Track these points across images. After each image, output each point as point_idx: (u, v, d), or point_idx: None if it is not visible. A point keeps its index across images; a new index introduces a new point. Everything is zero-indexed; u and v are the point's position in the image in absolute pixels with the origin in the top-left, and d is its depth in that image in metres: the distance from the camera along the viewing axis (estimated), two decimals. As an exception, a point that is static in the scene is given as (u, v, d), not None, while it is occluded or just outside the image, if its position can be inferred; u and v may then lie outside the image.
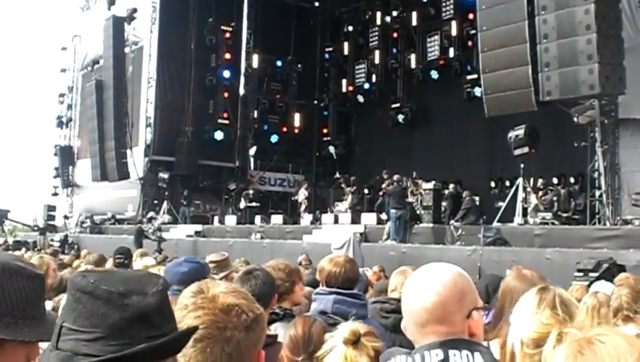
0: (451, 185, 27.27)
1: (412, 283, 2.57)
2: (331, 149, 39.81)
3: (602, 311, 4.84)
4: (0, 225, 36.23)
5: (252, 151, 40.60)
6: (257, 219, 30.79)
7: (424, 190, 24.77)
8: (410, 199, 24.34)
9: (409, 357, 2.43)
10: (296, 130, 41.19)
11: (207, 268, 5.59)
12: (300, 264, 15.22)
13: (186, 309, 2.14)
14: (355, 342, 3.17)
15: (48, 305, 6.60)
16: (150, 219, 30.82)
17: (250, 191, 34.33)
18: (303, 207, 31.68)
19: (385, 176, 24.40)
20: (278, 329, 4.32)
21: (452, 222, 23.04)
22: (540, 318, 3.06)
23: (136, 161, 35.79)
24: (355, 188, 29.70)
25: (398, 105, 35.94)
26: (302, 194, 32.33)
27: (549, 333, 2.97)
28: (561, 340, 2.94)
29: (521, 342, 3.04)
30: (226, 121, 38.42)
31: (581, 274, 14.04)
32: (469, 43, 31.06)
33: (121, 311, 1.79)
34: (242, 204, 32.90)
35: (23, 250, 23.52)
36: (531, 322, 3.07)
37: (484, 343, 2.83)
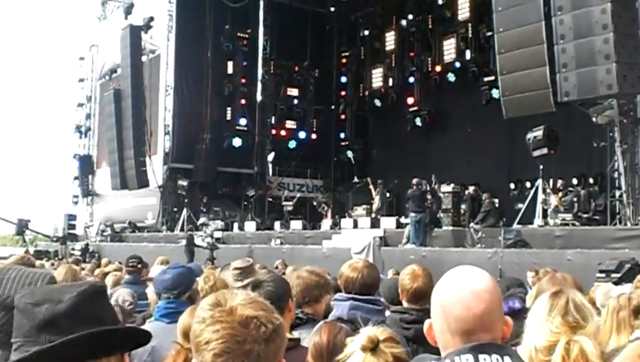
0: (471, 188, 27.17)
1: (454, 290, 2.50)
2: (349, 154, 39.87)
3: (622, 314, 4.80)
4: (21, 234, 36.45)
5: (270, 157, 40.64)
6: (277, 224, 30.83)
7: (443, 193, 24.75)
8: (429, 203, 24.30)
9: None
10: (314, 135, 41.16)
11: (195, 270, 5.58)
12: (276, 268, 15.13)
13: (204, 323, 2.11)
14: (373, 348, 3.15)
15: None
16: (202, 226, 29.52)
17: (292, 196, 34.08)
18: (329, 213, 31.81)
19: (414, 182, 24.17)
20: (302, 334, 4.31)
21: (472, 224, 22.97)
22: (549, 326, 3.04)
23: (155, 169, 35.87)
24: (379, 190, 29.61)
25: (415, 108, 35.88)
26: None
27: (558, 341, 2.96)
28: (569, 349, 2.93)
29: (535, 349, 3.02)
30: (244, 128, 38.48)
31: (603, 275, 13.98)
32: (486, 45, 30.95)
33: (31, 319, 1.92)
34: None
35: (44, 259, 23.60)
36: (542, 330, 3.05)
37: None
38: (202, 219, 30.95)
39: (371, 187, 29.73)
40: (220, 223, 32.68)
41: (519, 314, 3.53)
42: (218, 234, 29.84)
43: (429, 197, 24.58)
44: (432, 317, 2.56)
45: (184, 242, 27.58)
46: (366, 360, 3.13)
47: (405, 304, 5.47)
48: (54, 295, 1.96)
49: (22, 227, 35.41)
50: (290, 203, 33.49)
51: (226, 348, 2.05)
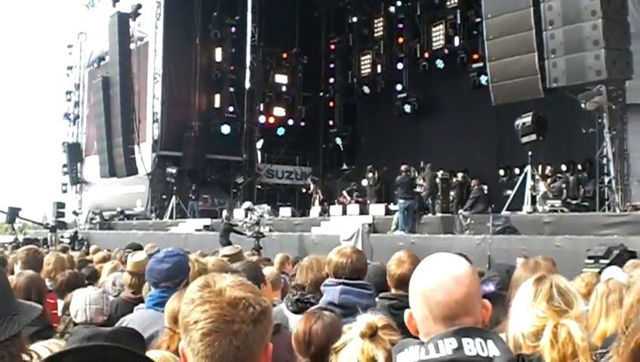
0: (459, 174, 27.23)
1: (433, 276, 2.51)
2: (338, 141, 39.86)
3: (611, 298, 4.81)
4: (11, 223, 36.35)
5: (259, 144, 40.62)
6: (248, 213, 30.77)
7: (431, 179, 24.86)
8: (418, 189, 24.32)
9: (422, 347, 2.41)
10: (303, 123, 41.18)
11: (188, 257, 5.51)
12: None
13: (192, 303, 2.14)
14: (372, 335, 3.15)
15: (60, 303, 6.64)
16: (247, 211, 27.03)
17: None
18: (317, 201, 31.72)
19: (402, 168, 24.08)
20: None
21: (461, 211, 23.01)
22: (535, 311, 3.05)
23: (144, 156, 35.83)
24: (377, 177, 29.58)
25: (404, 95, 35.92)
26: (313, 189, 32.46)
27: (545, 326, 2.96)
28: (556, 333, 2.94)
29: (522, 335, 3.03)
30: (233, 115, 38.46)
31: (592, 261, 14.03)
32: (474, 31, 30.96)
33: None
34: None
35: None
36: (528, 315, 3.06)
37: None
38: (246, 204, 28.24)
39: (371, 174, 29.45)
40: (266, 207, 30.94)
41: (495, 299, 3.53)
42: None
43: (421, 182, 24.60)
44: (412, 305, 2.57)
45: (220, 228, 25.72)
46: (364, 347, 3.13)
47: (393, 290, 5.51)
48: None
49: (13, 215, 35.30)
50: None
51: (215, 327, 2.08)
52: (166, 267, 5.12)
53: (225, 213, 28.92)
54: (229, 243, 22.46)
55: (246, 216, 26.55)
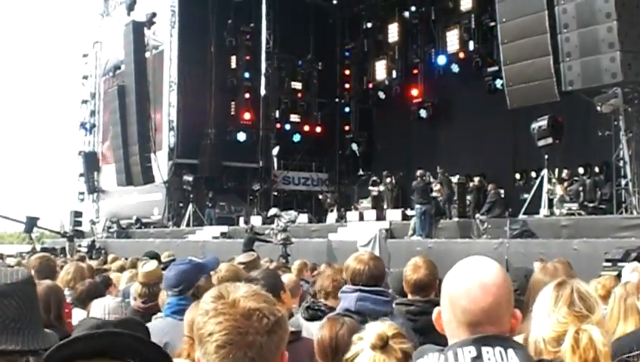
0: (476, 179, 27.16)
1: (463, 282, 2.50)
2: (354, 147, 39.84)
3: (629, 301, 4.79)
4: (29, 232, 36.52)
5: (275, 151, 40.64)
6: (275, 219, 30.76)
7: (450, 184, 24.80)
8: (434, 194, 24.27)
9: (441, 354, 2.40)
10: (319, 129, 41.18)
11: (200, 266, 5.52)
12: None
13: (207, 315, 2.15)
14: (383, 346, 3.13)
15: (82, 312, 6.65)
16: (274, 217, 26.43)
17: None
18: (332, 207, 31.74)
19: (418, 174, 23.96)
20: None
21: (478, 215, 22.95)
22: (557, 317, 3.03)
23: (161, 164, 35.95)
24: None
25: (419, 100, 35.87)
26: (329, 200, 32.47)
27: (566, 332, 2.95)
28: (578, 339, 2.93)
29: (543, 340, 3.02)
30: (249, 122, 38.50)
31: (610, 264, 13.98)
32: (489, 35, 30.90)
33: None
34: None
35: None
36: (548, 321, 3.04)
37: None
38: (273, 210, 27.51)
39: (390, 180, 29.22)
40: (293, 214, 29.31)
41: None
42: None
43: (438, 188, 24.54)
44: (442, 305, 2.57)
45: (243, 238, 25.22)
46: (376, 359, 3.11)
47: (409, 296, 5.52)
48: None
49: (31, 225, 35.48)
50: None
51: (229, 339, 2.09)
52: (169, 275, 5.25)
53: (250, 223, 28.62)
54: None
55: (272, 222, 25.99)
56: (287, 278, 6.85)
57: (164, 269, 8.91)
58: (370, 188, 29.97)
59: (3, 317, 2.27)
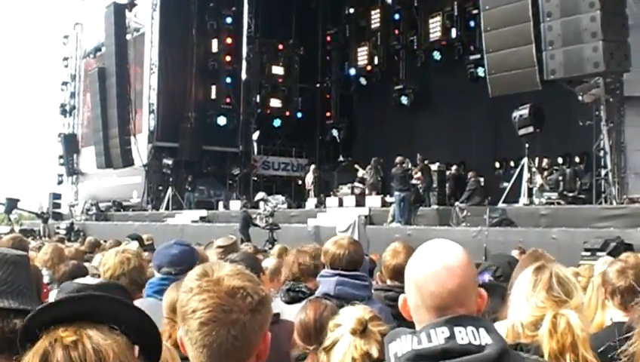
0: (453, 167, 27.23)
1: (427, 266, 2.48)
2: (334, 132, 39.85)
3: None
4: (9, 213, 36.50)
5: (255, 135, 40.59)
6: (261, 204, 30.78)
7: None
8: (414, 181, 24.27)
9: (414, 336, 2.38)
10: (299, 114, 41.16)
11: (197, 254, 5.52)
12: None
13: (191, 292, 2.15)
14: (363, 330, 3.12)
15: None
16: (260, 202, 26.14)
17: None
18: (311, 190, 31.70)
19: (397, 160, 23.83)
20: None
21: (457, 203, 23.01)
22: (535, 301, 3.04)
23: (140, 147, 35.83)
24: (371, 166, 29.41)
25: (400, 87, 35.83)
26: (309, 177, 32.39)
27: (544, 316, 2.94)
28: (555, 323, 2.92)
29: (521, 324, 3.01)
30: (229, 106, 38.43)
31: (588, 253, 14.07)
32: (472, 23, 30.92)
33: None
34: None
35: (30, 238, 23.48)
36: (527, 305, 3.04)
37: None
38: (260, 195, 27.33)
39: (379, 167, 29.03)
40: (281, 198, 30.21)
41: (492, 289, 3.51)
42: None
43: (418, 175, 24.53)
44: (406, 292, 2.55)
45: (238, 221, 24.68)
46: (356, 343, 3.10)
47: (388, 281, 5.50)
48: None
49: (11, 206, 35.45)
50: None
51: (213, 316, 2.09)
52: (172, 253, 5.19)
53: (245, 203, 28.27)
54: (249, 237, 22.23)
55: (258, 206, 25.96)
56: (269, 262, 6.85)
57: (145, 251, 8.90)
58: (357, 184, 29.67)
59: (17, 282, 2.54)
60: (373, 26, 38.19)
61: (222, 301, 2.10)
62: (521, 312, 3.05)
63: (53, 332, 1.80)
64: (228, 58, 38.53)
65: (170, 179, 35.63)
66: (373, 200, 26.15)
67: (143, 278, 5.32)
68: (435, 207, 24.22)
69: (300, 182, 35.63)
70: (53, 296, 6.49)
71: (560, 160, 25.11)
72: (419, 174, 24.65)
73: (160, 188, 36.58)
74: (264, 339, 2.20)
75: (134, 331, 1.90)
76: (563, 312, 2.94)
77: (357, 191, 28.58)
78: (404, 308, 2.56)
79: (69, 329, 1.80)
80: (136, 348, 1.89)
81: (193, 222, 30.62)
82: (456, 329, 2.33)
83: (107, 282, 3.75)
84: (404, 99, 35.32)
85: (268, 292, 2.25)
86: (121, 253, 5.27)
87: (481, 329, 2.35)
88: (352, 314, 3.21)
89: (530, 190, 21.49)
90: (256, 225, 24.40)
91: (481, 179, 25.10)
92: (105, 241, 13.17)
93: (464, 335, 2.33)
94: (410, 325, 2.55)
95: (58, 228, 33.18)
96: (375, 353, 3.09)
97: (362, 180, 29.04)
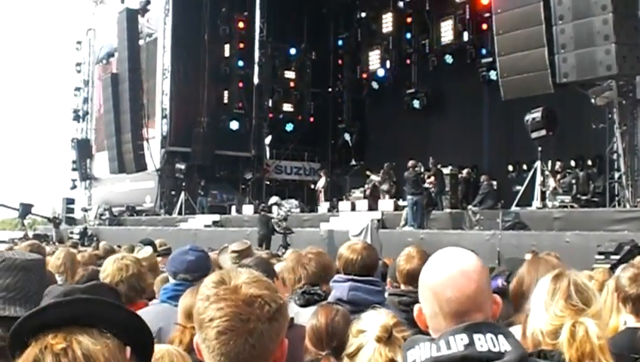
0: (465, 171, 27.17)
1: (443, 272, 2.48)
2: (346, 137, 39.83)
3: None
4: (23, 218, 36.64)
5: (268, 140, 40.59)
6: (274, 208, 30.77)
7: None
8: (427, 185, 24.23)
9: (433, 343, 2.38)
10: (312, 118, 41.17)
11: (209, 257, 5.55)
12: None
13: (208, 300, 2.15)
14: (388, 337, 3.11)
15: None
16: (272, 207, 25.51)
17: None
18: (322, 195, 31.68)
19: (410, 164, 23.77)
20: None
21: (470, 207, 22.96)
22: (553, 310, 3.02)
23: (153, 152, 35.91)
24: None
25: (412, 90, 35.74)
26: (321, 182, 32.38)
27: (563, 325, 2.94)
28: (574, 332, 2.92)
29: (541, 333, 3.01)
30: (241, 111, 38.46)
31: (602, 257, 13.98)
32: (484, 26, 30.85)
33: None
34: None
35: (44, 243, 23.54)
36: (545, 314, 3.03)
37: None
38: (274, 199, 26.79)
39: (392, 171, 28.93)
40: (294, 203, 30.26)
41: (505, 294, 3.51)
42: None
43: (431, 178, 24.49)
44: (422, 301, 2.55)
45: (257, 225, 24.64)
46: (380, 350, 3.09)
47: (402, 286, 5.49)
48: None
49: (26, 211, 35.59)
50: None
51: (230, 326, 2.09)
52: (189, 259, 5.18)
53: (264, 205, 27.74)
54: (269, 239, 22.39)
55: (269, 211, 25.42)
56: (281, 267, 6.84)
57: (159, 256, 8.91)
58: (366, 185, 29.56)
59: (27, 288, 2.54)
60: (384, 30, 38.10)
61: (239, 310, 2.10)
62: (541, 321, 3.05)
63: (42, 338, 1.80)
64: (240, 63, 38.54)
65: (183, 184, 35.70)
66: (386, 204, 26.10)
67: (142, 285, 5.33)
68: (448, 210, 24.20)
69: (312, 186, 35.58)
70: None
71: (573, 163, 25.01)
72: (431, 178, 24.62)
73: (173, 192, 36.67)
74: (281, 346, 2.20)
75: (125, 332, 1.89)
76: (581, 321, 2.94)
77: (368, 191, 28.50)
78: (420, 317, 2.56)
79: (58, 336, 1.80)
80: (128, 349, 1.90)
81: (206, 226, 30.64)
82: (476, 336, 2.33)
83: (95, 283, 3.78)
84: (416, 103, 35.24)
85: (285, 300, 2.25)
86: (119, 260, 5.27)
87: (500, 336, 2.35)
88: (377, 321, 3.20)
89: (543, 193, 21.41)
90: (275, 230, 24.15)
91: (494, 183, 25.04)
92: (119, 246, 13.21)
93: (483, 342, 2.33)
94: (428, 333, 2.55)
95: (71, 233, 33.29)
96: (400, 359, 3.09)
97: (374, 187, 28.91)
